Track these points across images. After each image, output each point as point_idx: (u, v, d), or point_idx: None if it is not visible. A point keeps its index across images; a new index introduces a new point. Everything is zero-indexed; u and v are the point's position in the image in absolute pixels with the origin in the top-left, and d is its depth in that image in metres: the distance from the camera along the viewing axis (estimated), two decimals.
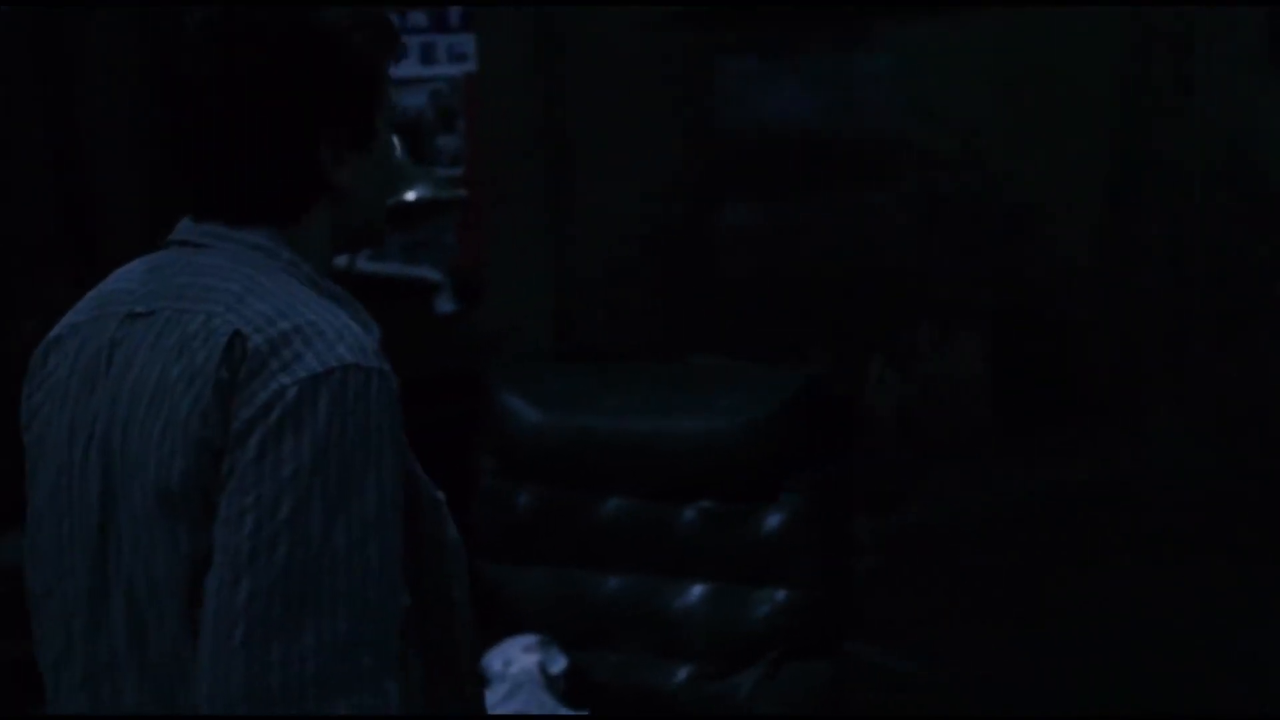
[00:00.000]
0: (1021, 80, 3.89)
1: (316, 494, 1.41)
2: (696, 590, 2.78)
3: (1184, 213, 4.02)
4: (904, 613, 3.56)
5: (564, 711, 2.64)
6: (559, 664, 2.71)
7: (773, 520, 2.75)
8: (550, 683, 2.67)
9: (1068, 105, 3.91)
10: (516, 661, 2.68)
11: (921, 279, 4.03)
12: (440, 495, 1.59)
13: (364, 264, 3.21)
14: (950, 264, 4.05)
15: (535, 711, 2.61)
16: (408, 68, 3.55)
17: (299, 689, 1.39)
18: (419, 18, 3.59)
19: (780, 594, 2.74)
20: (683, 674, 2.76)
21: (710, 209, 3.94)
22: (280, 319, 1.48)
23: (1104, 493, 3.97)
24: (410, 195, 2.75)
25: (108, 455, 1.52)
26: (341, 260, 3.02)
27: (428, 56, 3.60)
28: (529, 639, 2.75)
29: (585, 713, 2.63)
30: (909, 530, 3.80)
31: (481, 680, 1.63)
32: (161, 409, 1.48)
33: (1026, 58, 3.89)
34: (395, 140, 2.93)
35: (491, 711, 2.61)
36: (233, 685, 1.40)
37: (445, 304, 3.45)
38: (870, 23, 3.89)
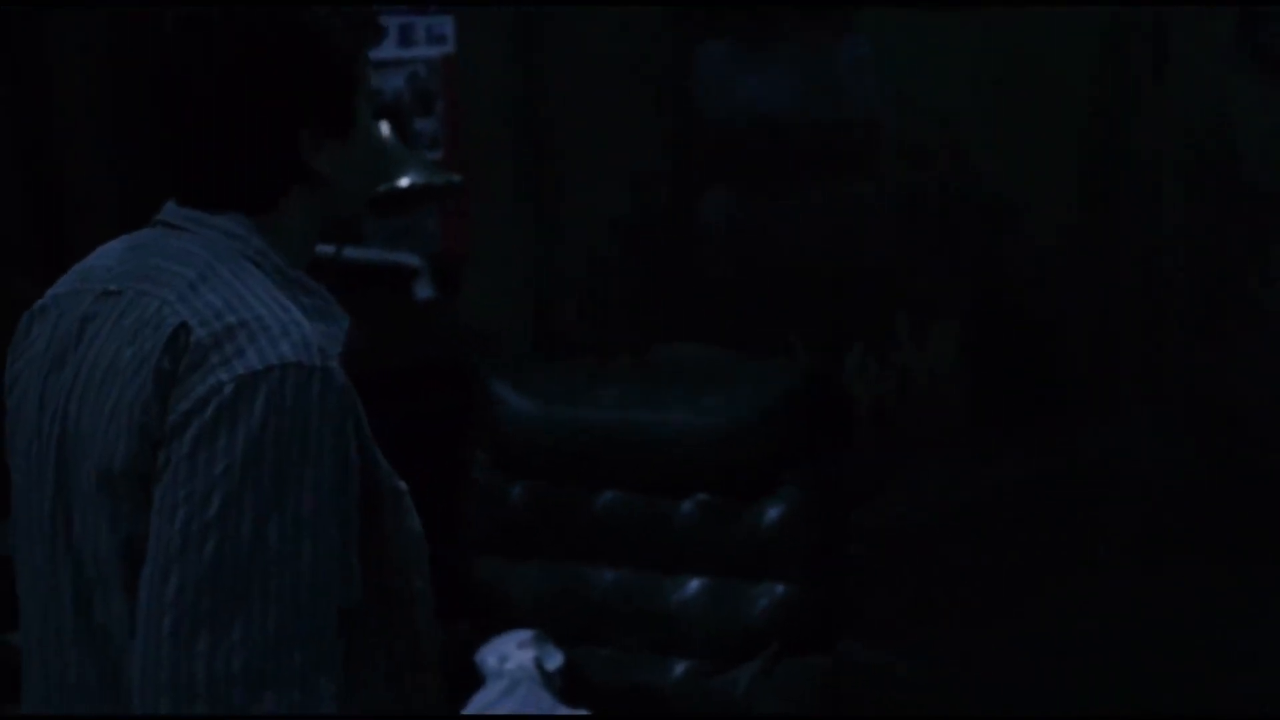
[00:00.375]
0: (1000, 72, 3.91)
1: (248, 491, 1.41)
2: (693, 584, 2.73)
3: (1159, 206, 4.03)
4: (881, 606, 3.53)
5: (562, 709, 2.57)
6: (555, 660, 2.64)
7: (771, 514, 2.70)
8: (547, 679, 2.60)
9: (1044, 98, 3.92)
10: (512, 658, 2.61)
11: (899, 270, 4.02)
12: (402, 485, 1.57)
13: (348, 250, 3.12)
14: (927, 256, 4.04)
15: (533, 709, 2.54)
16: (385, 49, 3.49)
17: (225, 682, 1.39)
18: None
19: (779, 588, 2.69)
20: (679, 669, 2.70)
21: (689, 199, 3.92)
22: (228, 312, 1.47)
23: (1078, 486, 3.96)
24: (403, 181, 2.67)
25: (64, 430, 1.53)
26: (328, 248, 2.95)
27: (406, 38, 3.53)
28: (524, 634, 2.68)
29: (585, 712, 2.56)
30: (885, 523, 3.76)
31: (439, 670, 1.61)
32: (112, 390, 1.49)
33: (1005, 50, 3.89)
34: (384, 125, 2.87)
35: (489, 709, 2.54)
36: (160, 675, 1.40)
37: (424, 290, 3.37)
38: (850, 12, 3.87)
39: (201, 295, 1.49)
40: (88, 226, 3.46)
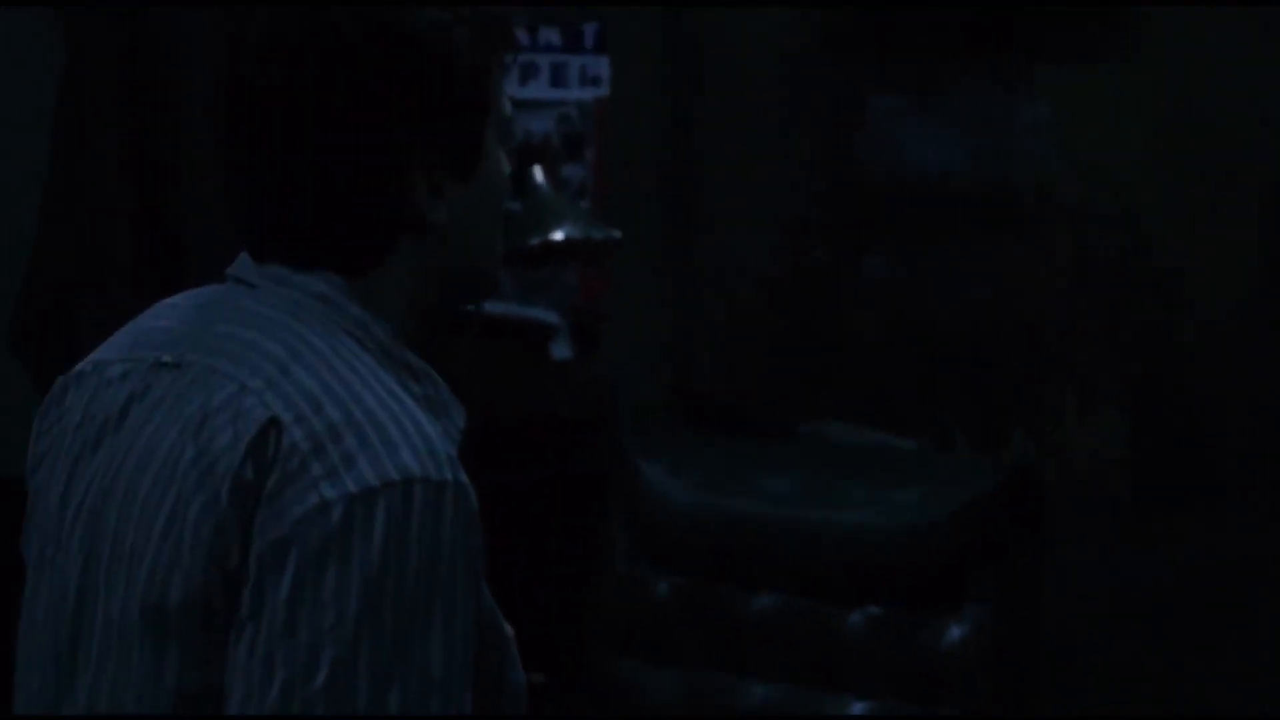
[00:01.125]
0: (1178, 138, 3.71)
1: (365, 650, 1.09)
2: (858, 707, 2.38)
3: None
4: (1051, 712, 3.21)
5: None
6: None
7: (954, 632, 2.33)
8: None
9: (1224, 165, 3.72)
10: None
11: (1064, 345, 3.78)
12: (509, 631, 1.27)
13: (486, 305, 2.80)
14: (1095, 329, 3.81)
15: None
16: (537, 89, 3.16)
17: None
18: (552, 36, 3.23)
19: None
20: None
21: (844, 258, 3.77)
22: (329, 403, 1.14)
23: (1249, 581, 3.69)
24: (559, 234, 2.32)
25: (93, 539, 1.19)
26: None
27: (558, 79, 3.20)
28: None
29: None
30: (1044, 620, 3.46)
31: None
32: (166, 498, 1.16)
33: (1186, 113, 3.71)
34: (538, 171, 2.51)
35: None
36: None
37: (562, 350, 3.05)
38: (1028, 68, 3.63)
39: (295, 377, 1.16)
40: (205, 247, 3.19)
